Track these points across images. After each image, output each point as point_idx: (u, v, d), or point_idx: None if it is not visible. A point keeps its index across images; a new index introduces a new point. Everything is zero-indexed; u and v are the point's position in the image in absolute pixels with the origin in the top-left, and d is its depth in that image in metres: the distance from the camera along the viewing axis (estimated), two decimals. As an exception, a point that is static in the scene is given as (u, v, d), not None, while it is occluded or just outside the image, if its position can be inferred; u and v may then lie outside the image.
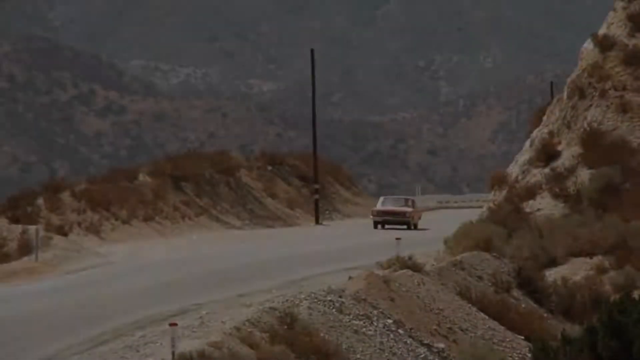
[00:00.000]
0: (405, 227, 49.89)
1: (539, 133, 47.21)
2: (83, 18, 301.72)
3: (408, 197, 57.61)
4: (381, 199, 54.52)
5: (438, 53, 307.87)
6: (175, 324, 24.43)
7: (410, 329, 30.20)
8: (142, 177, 54.98)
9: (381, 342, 28.83)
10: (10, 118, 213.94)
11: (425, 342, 29.91)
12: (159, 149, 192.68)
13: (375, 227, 51.02)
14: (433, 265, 36.67)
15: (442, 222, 50.61)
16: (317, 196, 60.16)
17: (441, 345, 29.91)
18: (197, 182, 57.02)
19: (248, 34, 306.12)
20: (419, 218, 52.53)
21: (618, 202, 40.90)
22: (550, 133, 45.93)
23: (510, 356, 30.37)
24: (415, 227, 50.99)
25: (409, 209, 51.53)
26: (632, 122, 44.79)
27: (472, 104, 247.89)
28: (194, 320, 27.84)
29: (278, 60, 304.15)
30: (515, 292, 35.16)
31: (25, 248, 43.05)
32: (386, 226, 50.63)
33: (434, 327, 30.98)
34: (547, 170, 44.18)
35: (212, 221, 54.37)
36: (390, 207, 51.92)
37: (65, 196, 49.91)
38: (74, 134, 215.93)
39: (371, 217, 51.76)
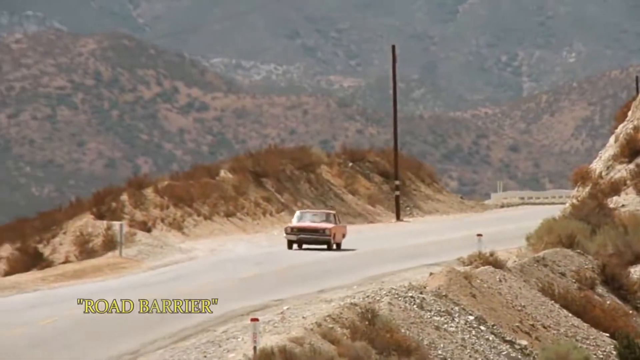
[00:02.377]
0: (325, 246, 43.07)
1: (624, 128, 46.51)
2: (167, 16, 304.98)
3: (329, 211, 48.06)
4: (297, 213, 46.04)
5: (520, 48, 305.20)
6: (257, 320, 24.51)
7: (492, 325, 29.95)
8: (224, 173, 55.31)
9: (463, 339, 28.64)
10: (95, 115, 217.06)
11: (508, 338, 29.65)
12: (240, 145, 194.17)
13: (290, 247, 43.25)
14: (515, 261, 36.34)
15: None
16: (398, 192, 59.98)
17: (524, 342, 29.63)
18: (277, 178, 57.23)
19: (329, 30, 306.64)
20: (343, 236, 44.68)
21: None
22: (635, 128, 45.24)
23: (595, 354, 29.95)
24: (338, 247, 43.53)
25: (329, 225, 43.37)
26: None
27: (555, 99, 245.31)
28: (275, 315, 27.92)
29: (359, 56, 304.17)
30: (600, 289, 34.72)
31: (110, 244, 43.59)
32: (304, 246, 43.41)
33: (516, 323, 30.70)
34: (631, 166, 43.49)
35: (293, 217, 54.42)
36: (307, 223, 43.64)
37: (149, 192, 50.40)
38: (157, 130, 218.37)
39: (284, 235, 43.74)
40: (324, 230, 42.84)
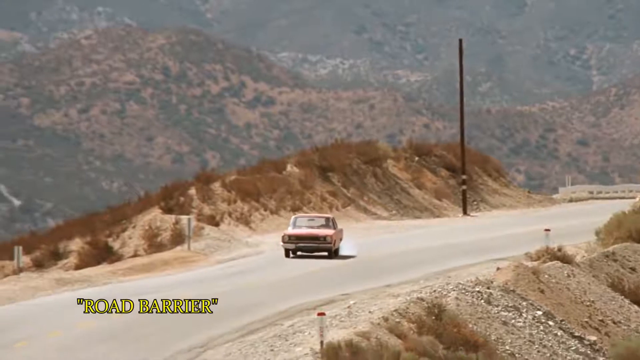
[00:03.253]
0: (325, 254, 40.24)
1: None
2: (235, 11, 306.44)
3: (326, 215, 44.95)
4: (292, 219, 42.53)
5: (590, 41, 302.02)
6: (324, 314, 24.55)
7: (561, 320, 29.72)
8: (290, 168, 55.52)
9: (531, 334, 28.46)
10: (164, 110, 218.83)
11: (577, 334, 29.39)
12: (306, 140, 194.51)
13: (287, 255, 40.19)
14: (584, 256, 36.02)
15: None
16: (464, 187, 59.72)
17: (593, 338, 29.36)
18: (344, 173, 57.29)
19: (396, 24, 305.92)
20: (340, 240, 41.66)
21: None
22: None
23: (665, 350, 29.58)
24: (337, 254, 40.72)
25: (330, 232, 40.31)
26: None
27: (624, 92, 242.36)
28: (341, 310, 27.96)
29: (426, 50, 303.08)
30: (671, 285, 34.26)
31: (178, 238, 43.97)
32: (298, 253, 40.41)
33: (585, 319, 30.43)
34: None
35: (359, 212, 54.58)
36: (306, 231, 40.44)
37: (217, 187, 50.73)
38: (224, 125, 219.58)
39: (281, 244, 40.56)
40: (324, 237, 40.00)
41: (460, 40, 63.13)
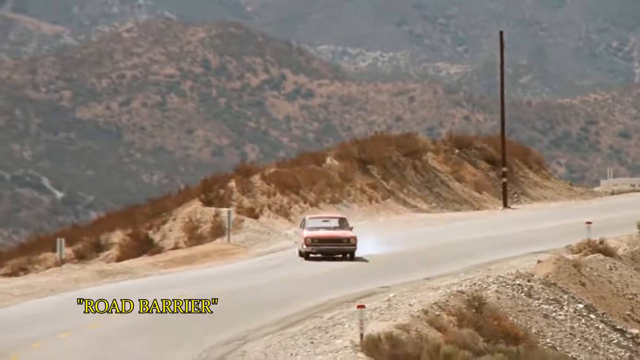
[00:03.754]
0: (347, 256, 38.37)
1: None
2: (274, 4, 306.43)
3: (340, 215, 42.33)
4: (307, 220, 39.88)
5: (632, 33, 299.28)
6: (363, 306, 24.51)
7: (602, 314, 29.50)
8: (330, 160, 55.42)
9: (572, 327, 28.27)
10: (204, 103, 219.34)
11: (618, 327, 29.17)
12: (346, 132, 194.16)
13: (307, 258, 38.21)
14: (626, 249, 35.72)
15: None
16: (505, 179, 59.31)
17: (635, 331, 29.12)
18: (383, 165, 57.09)
19: (437, 16, 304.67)
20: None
21: None
22: None
23: None
24: (352, 257, 38.52)
25: (351, 234, 38.56)
26: None
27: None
28: (381, 302, 27.89)
29: (466, 42, 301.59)
30: None
31: (218, 230, 44.04)
32: (311, 255, 38.35)
33: (627, 312, 30.21)
34: None
35: (399, 204, 54.33)
36: (327, 233, 38.47)
37: (256, 179, 50.75)
38: (264, 117, 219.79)
39: (304, 247, 38.34)
40: (348, 239, 38.13)
41: (501, 33, 62.71)
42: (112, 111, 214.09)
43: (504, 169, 58.91)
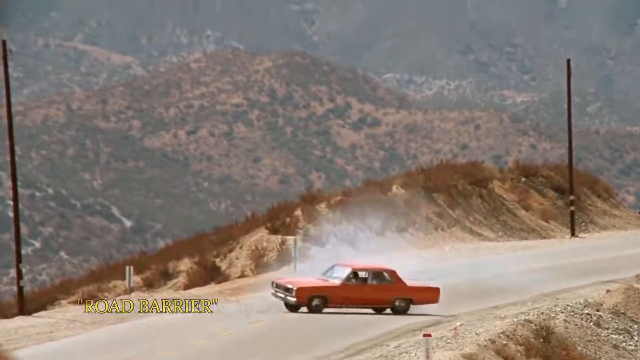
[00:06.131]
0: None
1: None
2: (340, 33, 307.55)
3: (379, 267, 32.80)
4: (334, 267, 32.30)
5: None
6: (429, 335, 24.34)
7: (673, 345, 29.02)
8: (396, 189, 55.28)
9: (642, 358, 27.86)
10: (270, 132, 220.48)
11: (689, 359, 28.63)
12: (411, 161, 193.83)
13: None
14: (697, 279, 35.15)
15: None
16: (572, 208, 58.76)
17: None
18: (449, 194, 56.83)
19: (503, 45, 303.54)
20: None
21: None
22: None
23: None
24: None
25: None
26: None
27: None
28: (448, 331, 27.69)
29: (532, 70, 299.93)
30: None
31: (284, 258, 44.05)
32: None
33: (698, 344, 29.63)
34: None
35: (465, 232, 54.07)
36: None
37: (322, 207, 50.80)
38: (329, 146, 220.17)
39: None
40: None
41: (569, 61, 62.31)
42: (180, 140, 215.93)
43: (572, 197, 58.30)
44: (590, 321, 28.76)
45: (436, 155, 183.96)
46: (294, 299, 30.77)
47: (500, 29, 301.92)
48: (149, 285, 43.24)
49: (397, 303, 30.76)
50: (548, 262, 43.39)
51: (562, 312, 28.81)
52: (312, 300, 30.68)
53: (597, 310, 29.62)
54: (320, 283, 31.21)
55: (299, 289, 30.52)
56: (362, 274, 31.23)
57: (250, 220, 51.11)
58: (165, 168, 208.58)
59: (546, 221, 58.18)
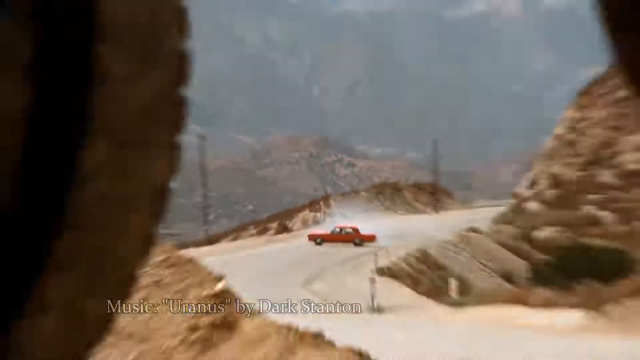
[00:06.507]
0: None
1: None
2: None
3: (351, 226, 44.78)
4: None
5: None
6: (376, 255, 31.33)
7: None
8: (363, 193, 61.81)
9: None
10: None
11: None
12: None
13: None
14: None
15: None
16: (436, 200, 62.84)
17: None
18: (391, 195, 62.81)
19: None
20: None
21: None
22: None
23: None
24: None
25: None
26: None
27: None
28: (383, 252, 33.47)
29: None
30: None
31: (316, 223, 53.21)
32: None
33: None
34: None
35: (396, 211, 60.32)
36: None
37: (335, 199, 59.25)
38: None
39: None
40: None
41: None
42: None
43: (436, 196, 63.00)
44: (447, 249, 38.22)
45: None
46: (308, 240, 43.89)
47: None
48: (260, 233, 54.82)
49: (356, 241, 41.98)
50: (427, 223, 49.61)
51: (435, 245, 38.01)
52: (317, 240, 42.96)
53: (451, 244, 39.18)
54: (321, 232, 44.23)
55: (309, 235, 44.10)
56: (340, 229, 43.69)
57: (300, 207, 62.59)
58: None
59: (425, 206, 67.41)
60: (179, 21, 1.33)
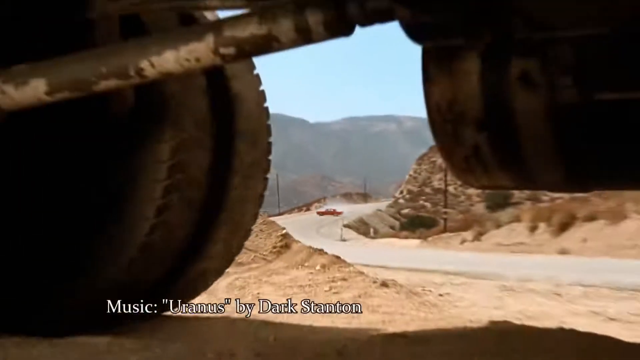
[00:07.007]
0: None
1: None
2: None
3: (332, 208, 63.09)
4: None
5: None
6: (341, 217, 52.92)
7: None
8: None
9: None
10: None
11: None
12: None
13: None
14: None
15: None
16: (369, 197, 72.85)
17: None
18: (363, 195, 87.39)
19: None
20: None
21: None
22: None
23: None
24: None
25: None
26: None
27: None
28: (344, 219, 56.27)
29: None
30: None
31: (320, 207, 76.32)
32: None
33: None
34: None
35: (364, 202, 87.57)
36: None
37: (331, 196, 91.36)
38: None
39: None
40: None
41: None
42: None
43: (370, 195, 72.75)
44: (370, 216, 62.10)
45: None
46: (317, 214, 73.82)
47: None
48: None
49: (335, 215, 69.46)
50: (361, 208, 76.49)
51: (365, 215, 62.58)
52: (320, 214, 72.55)
53: (371, 215, 62.94)
54: (322, 210, 74.22)
55: (317, 212, 74.88)
56: (329, 209, 76.16)
57: (313, 201, 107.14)
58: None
59: (362, 202, 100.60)
60: (266, 111, 2.93)
